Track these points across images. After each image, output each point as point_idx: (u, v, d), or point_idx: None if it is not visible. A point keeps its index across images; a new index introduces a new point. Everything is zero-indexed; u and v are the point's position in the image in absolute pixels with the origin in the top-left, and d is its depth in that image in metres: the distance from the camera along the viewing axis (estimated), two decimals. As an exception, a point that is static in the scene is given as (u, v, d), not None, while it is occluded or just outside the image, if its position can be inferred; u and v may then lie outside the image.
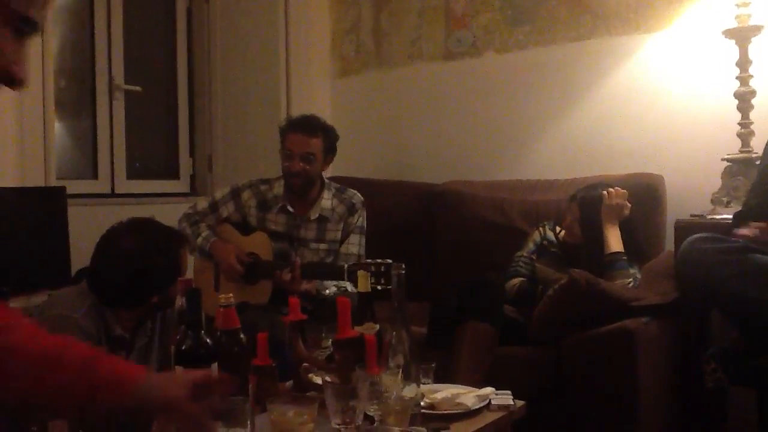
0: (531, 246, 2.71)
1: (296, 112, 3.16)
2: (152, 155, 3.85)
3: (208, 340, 1.39)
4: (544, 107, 3.23)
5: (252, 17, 3.69)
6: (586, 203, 2.58)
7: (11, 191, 2.64)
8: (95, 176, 3.45)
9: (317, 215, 2.76)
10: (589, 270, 2.28)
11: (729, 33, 2.61)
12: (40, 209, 2.69)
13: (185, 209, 2.87)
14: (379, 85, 3.70)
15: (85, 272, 1.93)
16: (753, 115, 2.62)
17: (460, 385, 1.74)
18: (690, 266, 2.20)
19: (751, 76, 2.61)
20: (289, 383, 1.67)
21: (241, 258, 2.66)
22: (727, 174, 2.64)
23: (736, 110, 2.63)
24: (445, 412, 1.57)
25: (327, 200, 2.79)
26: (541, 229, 2.74)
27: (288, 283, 2.50)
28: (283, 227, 2.76)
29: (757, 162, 2.49)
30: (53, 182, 2.87)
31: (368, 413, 1.41)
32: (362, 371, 1.40)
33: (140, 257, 1.83)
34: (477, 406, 1.61)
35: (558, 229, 2.71)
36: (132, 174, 3.59)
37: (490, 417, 1.61)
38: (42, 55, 2.79)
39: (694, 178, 2.81)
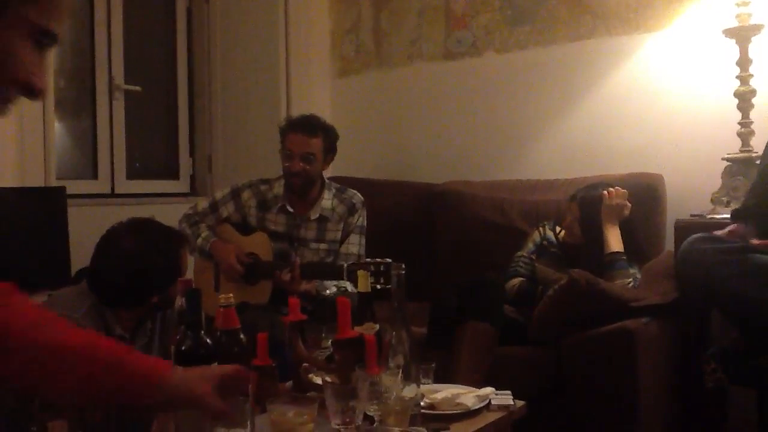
0: (531, 246, 2.71)
1: (296, 112, 3.16)
2: (152, 155, 3.85)
3: (208, 340, 1.38)
4: (544, 107, 3.23)
5: (252, 17, 3.69)
6: (586, 203, 2.58)
7: (11, 191, 2.64)
8: (95, 176, 3.45)
9: (317, 215, 2.76)
10: (589, 270, 2.28)
11: (729, 32, 2.61)
12: (40, 209, 2.69)
13: (185, 209, 2.87)
14: (379, 85, 3.70)
15: (85, 272, 1.93)
16: (753, 115, 2.62)
17: (460, 385, 1.74)
18: (690, 266, 2.20)
19: (752, 76, 2.61)
20: (289, 383, 1.67)
21: (240, 258, 2.66)
22: (727, 174, 2.63)
23: (737, 110, 2.63)
24: (445, 412, 1.57)
25: (327, 200, 2.79)
26: (541, 229, 2.74)
27: (288, 283, 2.50)
28: (283, 227, 2.76)
29: (758, 162, 2.49)
30: (53, 182, 2.87)
31: (368, 413, 1.41)
32: (362, 371, 1.40)
33: (140, 257, 1.83)
34: (477, 407, 1.61)
35: (558, 229, 2.71)
36: (132, 174, 3.59)
37: (490, 417, 1.61)
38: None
39: (694, 178, 2.81)
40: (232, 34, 3.77)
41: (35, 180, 2.81)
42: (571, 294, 2.23)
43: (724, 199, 2.57)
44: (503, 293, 2.48)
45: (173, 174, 3.84)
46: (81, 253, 2.24)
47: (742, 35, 2.59)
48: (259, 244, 2.72)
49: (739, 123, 2.63)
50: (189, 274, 2.13)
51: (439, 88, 3.51)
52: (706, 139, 2.81)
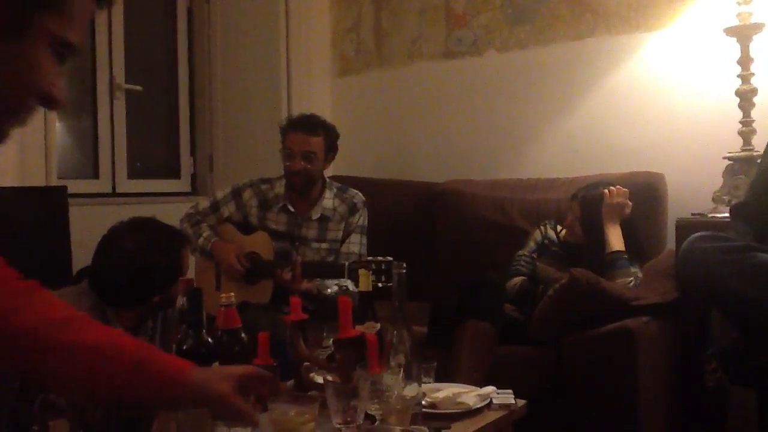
0: (532, 245, 2.71)
1: (297, 111, 3.16)
2: (153, 155, 3.85)
3: (209, 340, 1.39)
4: (544, 106, 3.23)
5: (252, 17, 3.69)
6: (587, 202, 2.58)
7: (12, 191, 2.64)
8: (96, 176, 3.45)
9: (319, 215, 2.76)
10: (590, 269, 2.28)
11: (730, 31, 2.61)
12: (41, 209, 2.69)
13: (186, 209, 2.87)
14: (379, 85, 3.70)
15: (86, 272, 1.93)
16: (754, 113, 2.62)
17: (461, 384, 1.74)
18: (690, 265, 2.19)
19: (753, 74, 2.60)
20: (290, 382, 1.67)
21: (241, 258, 2.67)
22: (728, 172, 2.63)
23: (738, 108, 2.63)
24: (447, 411, 1.57)
25: (328, 200, 2.79)
26: (542, 228, 2.74)
27: (289, 282, 2.50)
28: (284, 226, 2.76)
29: (758, 161, 2.49)
30: (54, 182, 2.88)
31: (369, 412, 1.41)
32: (363, 370, 1.40)
33: (142, 257, 1.84)
34: (478, 405, 1.61)
35: (559, 228, 2.70)
36: (133, 173, 3.59)
37: (491, 416, 1.60)
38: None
39: (695, 177, 2.80)
40: (232, 33, 3.77)
41: (36, 179, 2.81)
42: (572, 293, 2.23)
43: (726, 198, 2.57)
44: (503, 293, 2.48)
45: (174, 173, 3.84)
46: (82, 253, 2.24)
47: (743, 34, 2.59)
48: (261, 243, 2.72)
49: (741, 122, 2.63)
50: (190, 274, 2.13)
51: (440, 88, 3.51)
52: (707, 138, 2.81)
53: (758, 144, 2.57)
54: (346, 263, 2.48)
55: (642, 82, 2.99)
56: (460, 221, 3.09)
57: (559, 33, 3.18)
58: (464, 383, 1.79)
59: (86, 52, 3.41)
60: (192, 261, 2.41)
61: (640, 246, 2.59)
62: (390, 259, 2.24)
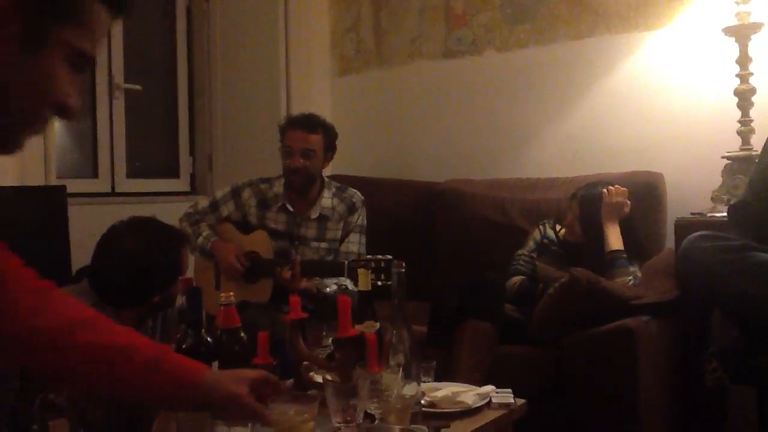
0: (532, 244, 2.71)
1: (296, 111, 3.16)
2: (152, 154, 3.85)
3: (208, 339, 1.39)
4: (544, 106, 3.23)
5: (252, 16, 3.69)
6: (587, 201, 2.58)
7: (11, 190, 2.64)
8: (95, 175, 3.45)
9: (318, 214, 2.76)
10: (589, 268, 2.28)
11: (729, 30, 2.61)
12: (40, 208, 2.68)
13: (186, 208, 2.87)
14: (379, 84, 3.70)
15: (86, 271, 1.93)
16: (753, 113, 2.62)
17: (460, 384, 1.74)
18: (690, 264, 2.19)
19: (751, 74, 2.61)
20: (289, 382, 1.67)
21: (241, 257, 2.67)
22: (727, 172, 2.63)
23: (737, 108, 2.63)
24: (446, 410, 1.57)
25: (327, 199, 2.79)
26: (541, 227, 2.74)
27: (288, 280, 2.50)
28: (283, 226, 2.76)
29: (757, 160, 2.49)
30: (53, 181, 2.87)
31: (369, 411, 1.41)
32: (363, 370, 1.40)
33: (141, 256, 1.83)
34: (478, 405, 1.61)
35: (558, 227, 2.71)
36: (132, 173, 3.59)
37: (490, 415, 1.60)
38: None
39: (694, 176, 2.80)
40: (232, 33, 3.77)
41: (35, 179, 2.81)
42: (572, 292, 2.23)
43: (725, 197, 2.57)
44: (503, 293, 2.48)
45: (173, 173, 3.84)
46: (81, 252, 2.24)
47: (741, 33, 2.59)
48: (260, 242, 2.72)
49: (739, 121, 2.63)
50: (189, 273, 2.13)
51: (440, 87, 3.51)
52: (706, 138, 2.81)
53: (757, 143, 2.57)
54: (346, 262, 2.48)
55: (641, 82, 2.99)
56: (460, 221, 3.09)
57: (559, 32, 3.18)
58: (464, 383, 1.79)
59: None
60: (191, 260, 2.41)
61: (639, 245, 2.59)
62: (389, 257, 2.25)
